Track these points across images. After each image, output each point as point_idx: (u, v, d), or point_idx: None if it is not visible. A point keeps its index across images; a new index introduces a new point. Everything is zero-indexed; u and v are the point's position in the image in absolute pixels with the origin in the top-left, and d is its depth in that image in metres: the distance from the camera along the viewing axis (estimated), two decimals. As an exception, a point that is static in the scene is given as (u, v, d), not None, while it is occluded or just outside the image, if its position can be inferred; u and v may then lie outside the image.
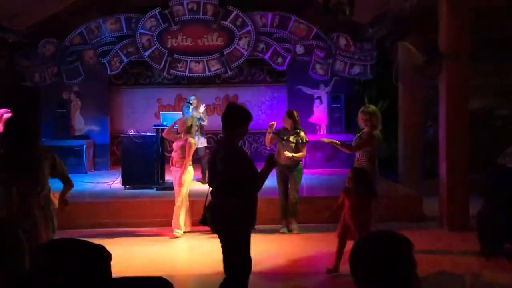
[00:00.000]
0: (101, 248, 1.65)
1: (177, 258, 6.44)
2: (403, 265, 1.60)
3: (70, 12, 10.29)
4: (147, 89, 12.14)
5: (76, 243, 1.64)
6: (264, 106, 12.12)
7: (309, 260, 6.07)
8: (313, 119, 11.45)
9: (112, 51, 10.15)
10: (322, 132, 11.38)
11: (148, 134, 8.99)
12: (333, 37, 10.17)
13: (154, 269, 5.69)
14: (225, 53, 10.15)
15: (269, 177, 4.11)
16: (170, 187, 7.35)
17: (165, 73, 10.49)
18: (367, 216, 5.17)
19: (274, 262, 5.77)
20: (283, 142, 6.87)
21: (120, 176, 8.92)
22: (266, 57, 10.24)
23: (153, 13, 10.08)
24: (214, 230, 4.10)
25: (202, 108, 9.29)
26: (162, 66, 10.22)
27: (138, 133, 9.08)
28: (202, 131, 9.26)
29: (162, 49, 10.13)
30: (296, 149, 6.88)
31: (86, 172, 10.56)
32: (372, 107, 6.35)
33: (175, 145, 6.99)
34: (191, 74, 10.40)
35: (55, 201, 4.34)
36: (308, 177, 9.18)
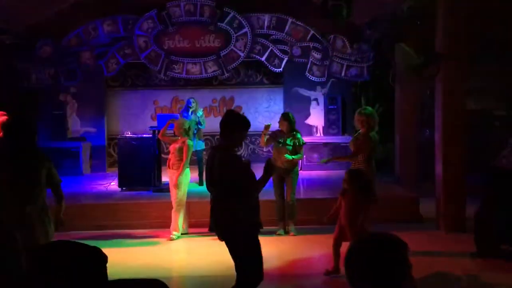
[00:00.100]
0: (97, 251, 1.65)
1: (174, 260, 6.43)
2: (398, 266, 1.60)
3: (67, 13, 10.27)
4: (144, 91, 12.13)
5: (72, 245, 1.64)
6: (261, 107, 12.12)
7: (306, 261, 6.07)
8: (310, 120, 11.45)
9: (109, 53, 10.15)
10: (319, 134, 11.39)
11: (144, 136, 8.98)
12: (329, 38, 10.19)
13: (151, 271, 5.68)
14: (222, 54, 10.16)
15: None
16: (167, 189, 7.34)
17: (162, 75, 10.50)
18: (362, 218, 5.15)
19: (271, 264, 5.75)
20: (280, 145, 6.86)
21: (117, 178, 8.91)
22: (263, 58, 10.25)
23: (150, 15, 10.09)
24: (220, 237, 4.06)
25: (200, 112, 9.28)
26: (159, 67, 10.23)
27: (135, 135, 9.07)
28: (201, 135, 9.24)
29: (159, 50, 10.13)
30: (294, 152, 6.88)
31: (82, 174, 10.54)
32: (369, 108, 6.36)
33: (172, 147, 6.98)
34: (188, 76, 10.42)
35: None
36: (305, 179, 9.19)
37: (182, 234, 6.99)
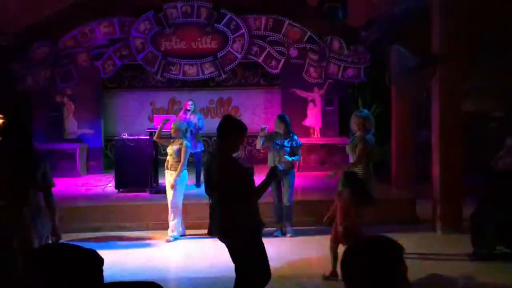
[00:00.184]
0: (93, 253, 1.65)
1: (171, 262, 6.42)
2: (394, 268, 1.60)
3: (63, 15, 10.26)
4: (140, 92, 12.13)
5: (67, 248, 1.63)
6: (258, 109, 12.12)
7: (303, 263, 6.06)
8: (307, 122, 11.46)
9: (105, 54, 10.14)
10: (316, 135, 11.40)
11: (141, 137, 8.97)
12: (326, 40, 10.21)
13: (148, 272, 5.67)
14: (219, 56, 10.16)
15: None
16: (164, 191, 7.34)
17: (158, 76, 10.49)
18: (356, 221, 5.12)
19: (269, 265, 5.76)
20: (278, 147, 6.86)
21: (114, 180, 8.89)
22: (260, 60, 10.26)
23: (146, 16, 10.08)
24: (223, 241, 4.05)
25: (199, 115, 9.30)
26: (155, 69, 10.22)
27: (132, 136, 9.06)
28: (199, 137, 9.23)
29: (156, 52, 10.13)
30: (292, 153, 6.91)
31: (79, 176, 10.52)
32: (365, 111, 6.37)
33: (170, 149, 6.95)
34: (185, 77, 10.42)
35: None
36: (303, 181, 9.20)
37: (180, 236, 6.98)
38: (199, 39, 10.18)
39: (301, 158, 8.28)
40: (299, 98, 11.40)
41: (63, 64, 10.15)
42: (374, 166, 6.11)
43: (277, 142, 6.89)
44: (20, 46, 10.14)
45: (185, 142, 6.90)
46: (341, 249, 5.11)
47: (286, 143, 6.87)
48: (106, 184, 9.24)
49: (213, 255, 6.00)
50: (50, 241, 4.26)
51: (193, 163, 8.88)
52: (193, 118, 9.06)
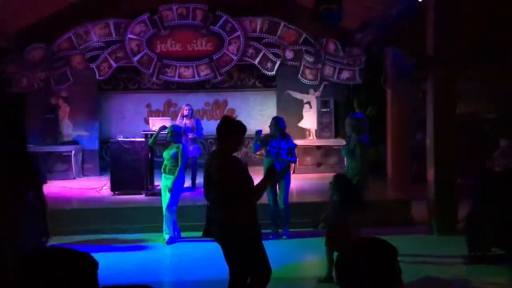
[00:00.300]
0: (88, 256, 1.65)
1: (167, 264, 6.41)
2: (388, 271, 1.61)
3: (58, 17, 10.24)
4: (136, 94, 12.10)
5: (62, 251, 1.63)
6: (253, 111, 12.13)
7: (298, 266, 6.07)
8: (303, 124, 11.48)
9: (101, 56, 10.13)
10: (312, 137, 11.41)
11: (137, 139, 8.96)
12: (322, 42, 10.23)
13: (144, 275, 5.66)
14: (214, 58, 10.17)
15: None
16: (159, 193, 7.32)
17: (154, 78, 10.49)
18: (344, 225, 5.08)
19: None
20: (275, 151, 6.86)
21: (109, 182, 8.87)
22: (256, 62, 10.27)
23: (142, 18, 10.08)
24: (219, 243, 4.04)
25: (198, 120, 9.30)
26: (151, 71, 10.22)
27: (127, 138, 9.04)
28: (196, 140, 9.22)
29: (151, 54, 10.13)
30: (289, 154, 6.92)
31: (74, 178, 10.49)
32: (359, 113, 6.38)
33: (167, 154, 6.92)
34: (180, 79, 10.41)
35: None
36: (298, 182, 9.20)
37: (176, 239, 6.96)
38: (194, 41, 10.18)
39: (297, 160, 8.29)
40: (295, 100, 11.42)
41: (58, 66, 10.13)
42: (370, 167, 6.11)
43: (273, 144, 6.88)
44: (15, 48, 10.11)
45: (181, 146, 6.90)
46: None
47: (282, 145, 6.88)
48: (102, 186, 9.21)
49: (208, 257, 5.99)
50: (42, 241, 4.26)
51: (189, 166, 8.87)
52: (190, 123, 9.06)
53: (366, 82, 10.37)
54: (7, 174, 4.07)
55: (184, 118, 9.11)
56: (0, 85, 10.04)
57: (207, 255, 6.08)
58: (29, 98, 10.88)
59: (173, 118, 10.44)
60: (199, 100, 11.86)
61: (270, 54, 10.20)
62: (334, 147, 10.67)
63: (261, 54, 10.22)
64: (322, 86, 11.17)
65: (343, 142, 8.42)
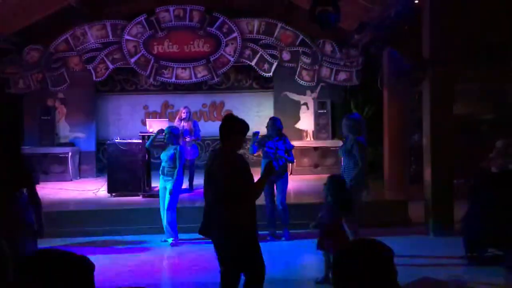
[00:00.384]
0: (84, 259, 1.64)
1: (164, 266, 6.40)
2: (383, 272, 1.61)
3: (55, 18, 10.23)
4: (133, 96, 12.09)
5: (58, 254, 1.62)
6: (251, 112, 12.12)
7: (296, 267, 6.07)
8: (300, 125, 11.49)
9: (97, 58, 10.12)
10: (309, 138, 11.42)
11: (134, 141, 8.95)
12: (319, 43, 10.25)
13: (142, 277, 5.65)
14: (211, 59, 10.17)
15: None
16: (156, 195, 7.31)
17: (151, 80, 10.48)
18: (341, 224, 5.06)
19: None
20: (273, 152, 6.86)
21: (106, 184, 8.85)
22: (253, 63, 10.27)
23: (139, 20, 10.07)
24: (216, 243, 4.04)
25: (196, 123, 9.30)
26: (148, 72, 10.21)
27: (124, 140, 9.03)
28: (194, 142, 9.22)
29: (148, 55, 10.12)
30: (287, 155, 6.93)
31: (71, 180, 10.46)
32: (356, 114, 6.39)
33: (164, 156, 6.91)
34: (177, 81, 10.41)
35: None
36: (296, 184, 9.21)
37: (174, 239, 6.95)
38: (191, 43, 10.18)
39: (295, 160, 8.30)
40: (292, 101, 11.44)
41: (55, 67, 10.12)
42: (367, 168, 6.12)
43: (270, 145, 6.88)
44: (12, 49, 10.09)
45: (179, 147, 6.90)
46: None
47: (279, 146, 6.88)
48: (99, 188, 9.19)
49: (206, 259, 5.98)
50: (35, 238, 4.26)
51: (187, 168, 8.87)
52: (188, 126, 9.06)
53: (363, 83, 10.39)
54: (4, 174, 4.07)
55: (182, 121, 9.10)
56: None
57: (205, 256, 6.07)
58: (26, 99, 10.86)
59: (171, 119, 10.43)
60: (196, 102, 11.85)
61: (267, 56, 10.21)
62: (331, 148, 10.67)
63: (258, 55, 10.22)
64: (319, 88, 11.19)
65: (340, 143, 8.42)
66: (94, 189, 9.24)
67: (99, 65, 10.14)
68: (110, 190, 8.72)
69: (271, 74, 10.43)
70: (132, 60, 10.09)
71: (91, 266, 1.64)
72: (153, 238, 7.10)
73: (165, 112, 12.00)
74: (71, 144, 11.03)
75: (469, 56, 8.57)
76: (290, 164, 7.11)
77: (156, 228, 7.08)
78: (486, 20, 8.13)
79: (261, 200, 6.99)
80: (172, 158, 6.80)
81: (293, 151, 7.18)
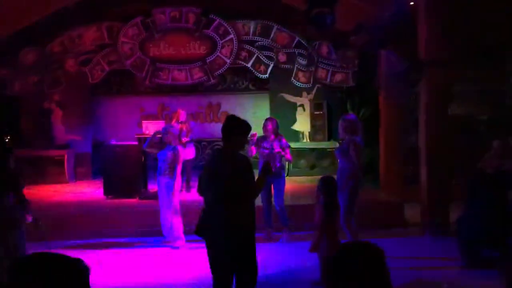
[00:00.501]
0: (79, 262, 1.64)
1: (161, 268, 6.39)
2: (376, 274, 1.61)
3: (51, 20, 10.20)
4: (129, 98, 12.07)
5: (52, 257, 1.62)
6: (247, 114, 12.11)
7: (292, 269, 6.06)
8: (296, 126, 11.49)
9: (93, 60, 10.10)
10: (305, 140, 11.43)
11: (130, 143, 8.94)
12: (315, 45, 10.25)
13: (139, 279, 5.64)
14: (207, 61, 10.17)
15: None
16: (153, 197, 7.30)
17: (147, 82, 10.46)
18: (333, 228, 5.05)
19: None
20: (268, 153, 6.87)
21: (102, 186, 8.84)
22: (249, 65, 10.27)
23: (135, 22, 10.06)
24: (211, 243, 4.04)
25: (189, 124, 9.32)
26: (144, 74, 10.20)
27: (121, 142, 9.01)
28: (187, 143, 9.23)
29: (144, 57, 10.11)
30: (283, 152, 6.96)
31: (67, 182, 10.43)
32: (352, 115, 6.40)
33: (163, 154, 6.90)
34: (173, 82, 10.40)
35: None
36: (292, 185, 9.20)
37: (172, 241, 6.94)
38: (187, 45, 10.17)
39: (292, 159, 8.34)
40: (288, 102, 11.43)
41: (51, 69, 10.10)
42: (363, 169, 6.13)
43: (266, 145, 6.88)
44: (8, 51, 10.06)
45: (176, 147, 6.89)
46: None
47: (275, 146, 6.89)
48: (95, 190, 9.17)
49: (205, 259, 5.97)
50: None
51: (184, 168, 8.85)
52: (185, 128, 9.07)
53: (359, 84, 10.40)
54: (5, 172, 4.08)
55: (180, 124, 9.11)
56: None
57: (203, 257, 6.06)
58: (22, 101, 10.83)
59: (167, 121, 10.41)
60: (192, 103, 11.84)
61: (263, 57, 10.21)
62: (328, 150, 10.69)
63: (254, 57, 10.23)
64: (315, 89, 11.19)
65: (337, 145, 8.43)
66: (91, 191, 9.21)
67: (95, 67, 10.12)
68: (106, 192, 8.70)
69: (267, 75, 10.44)
70: (128, 62, 10.08)
71: (86, 269, 1.64)
72: (150, 239, 7.08)
73: (161, 114, 11.98)
74: (67, 146, 11.01)
75: (467, 56, 8.60)
76: (287, 163, 7.10)
77: (152, 230, 7.06)
78: (483, 21, 8.15)
79: (257, 201, 7.00)
80: (169, 158, 6.80)
81: (289, 153, 7.19)
